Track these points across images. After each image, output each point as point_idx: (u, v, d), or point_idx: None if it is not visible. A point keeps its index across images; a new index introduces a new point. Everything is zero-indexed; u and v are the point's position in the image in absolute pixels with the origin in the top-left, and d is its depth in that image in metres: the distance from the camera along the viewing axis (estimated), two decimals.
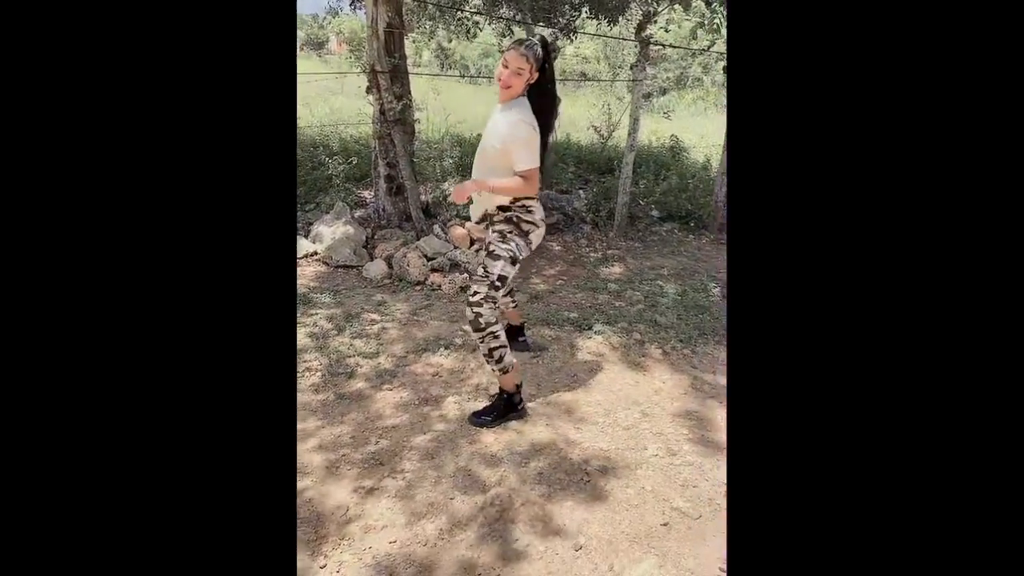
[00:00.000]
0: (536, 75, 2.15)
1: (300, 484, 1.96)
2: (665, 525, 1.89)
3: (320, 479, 1.98)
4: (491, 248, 2.25)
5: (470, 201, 2.32)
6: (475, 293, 2.20)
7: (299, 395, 2.46)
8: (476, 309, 2.19)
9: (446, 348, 2.94)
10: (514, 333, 2.94)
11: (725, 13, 4.81)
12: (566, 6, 4.86)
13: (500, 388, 2.37)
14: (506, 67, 2.11)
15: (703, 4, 4.84)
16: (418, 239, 4.25)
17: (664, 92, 14.77)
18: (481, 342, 2.23)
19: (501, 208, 2.26)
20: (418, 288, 3.80)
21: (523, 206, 2.25)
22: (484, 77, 14.50)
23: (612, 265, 4.51)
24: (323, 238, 4.25)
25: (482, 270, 2.23)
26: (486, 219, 2.35)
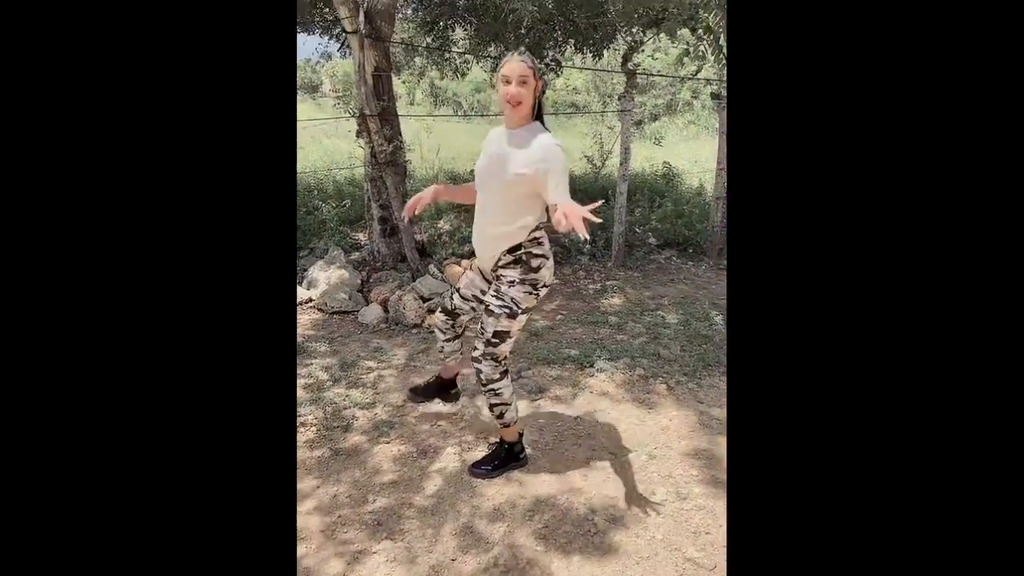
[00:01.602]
0: (541, 84, 1.97)
1: (298, 551, 1.87)
2: None
3: (318, 545, 1.89)
4: (488, 304, 2.13)
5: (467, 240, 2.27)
6: (475, 349, 2.14)
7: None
8: (476, 366, 2.13)
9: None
10: (444, 387, 2.70)
11: (709, 40, 4.83)
12: (552, 42, 4.89)
13: (501, 438, 2.29)
14: (509, 82, 1.91)
15: (688, 32, 4.86)
16: (414, 280, 4.20)
17: (655, 118, 14.88)
18: (484, 395, 2.16)
19: (511, 249, 2.07)
20: (415, 331, 3.74)
21: (534, 239, 2.07)
22: (477, 114, 14.64)
23: (612, 296, 4.45)
24: (318, 284, 4.20)
25: (479, 326, 2.15)
26: (495, 267, 2.15)
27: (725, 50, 4.81)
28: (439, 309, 2.41)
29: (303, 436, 2.49)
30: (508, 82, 1.92)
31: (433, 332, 3.67)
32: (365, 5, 4.16)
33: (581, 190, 7.14)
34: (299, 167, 7.22)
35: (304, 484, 2.18)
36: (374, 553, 1.87)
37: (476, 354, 2.13)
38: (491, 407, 2.19)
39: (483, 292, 2.27)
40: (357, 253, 4.81)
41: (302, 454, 2.37)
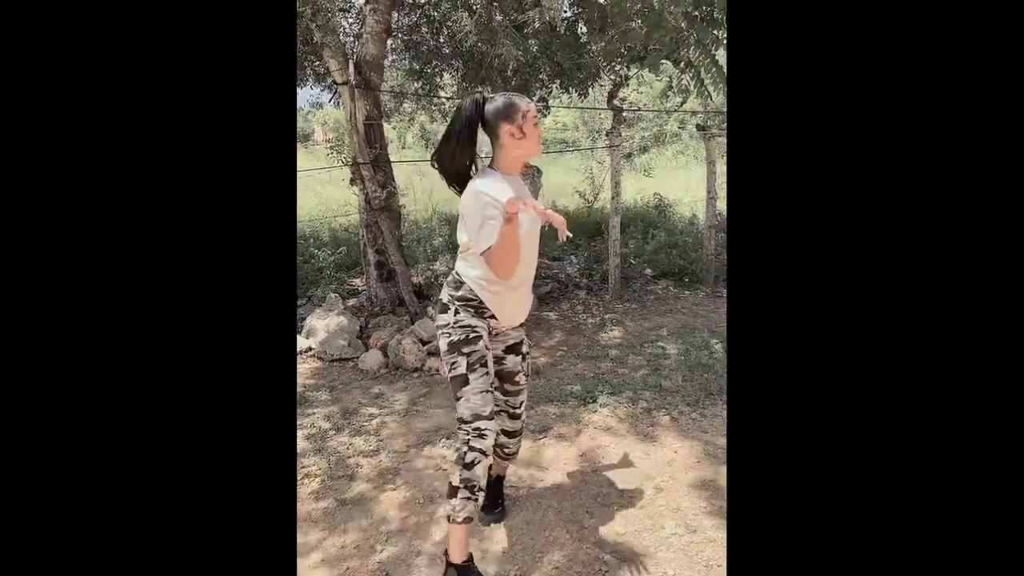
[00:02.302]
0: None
1: None
2: None
3: None
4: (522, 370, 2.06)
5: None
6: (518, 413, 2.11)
7: (300, 505, 2.36)
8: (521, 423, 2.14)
9: (447, 439, 2.85)
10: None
11: (691, 74, 4.94)
12: (538, 82, 5.01)
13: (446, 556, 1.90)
14: (536, 125, 1.79)
15: (671, 64, 4.98)
16: (412, 323, 4.22)
17: (644, 150, 15.09)
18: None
19: None
20: (415, 375, 3.74)
21: None
22: None
23: (611, 330, 4.46)
24: (317, 332, 4.21)
25: (524, 379, 2.07)
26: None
27: (707, 83, 4.92)
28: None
29: (307, 488, 2.48)
30: (536, 124, 1.79)
31: (434, 375, 3.68)
32: (354, 57, 4.27)
33: (575, 225, 7.22)
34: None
35: (310, 536, 2.16)
36: None
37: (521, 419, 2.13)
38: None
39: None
40: (354, 299, 4.84)
41: (307, 506, 2.35)
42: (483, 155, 1.91)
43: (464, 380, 1.80)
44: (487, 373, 1.83)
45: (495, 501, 2.25)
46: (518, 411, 2.08)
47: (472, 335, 1.83)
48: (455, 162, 1.82)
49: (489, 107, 1.78)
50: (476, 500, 1.81)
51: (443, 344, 1.86)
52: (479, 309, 1.85)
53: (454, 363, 1.82)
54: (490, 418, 1.81)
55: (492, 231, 1.65)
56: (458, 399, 1.82)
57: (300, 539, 2.15)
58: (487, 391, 1.82)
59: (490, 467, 2.14)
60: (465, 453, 1.80)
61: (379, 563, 2.02)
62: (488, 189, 1.70)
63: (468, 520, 1.81)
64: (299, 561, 2.04)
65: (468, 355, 1.81)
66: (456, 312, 1.85)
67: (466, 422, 1.81)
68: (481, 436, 1.79)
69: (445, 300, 1.89)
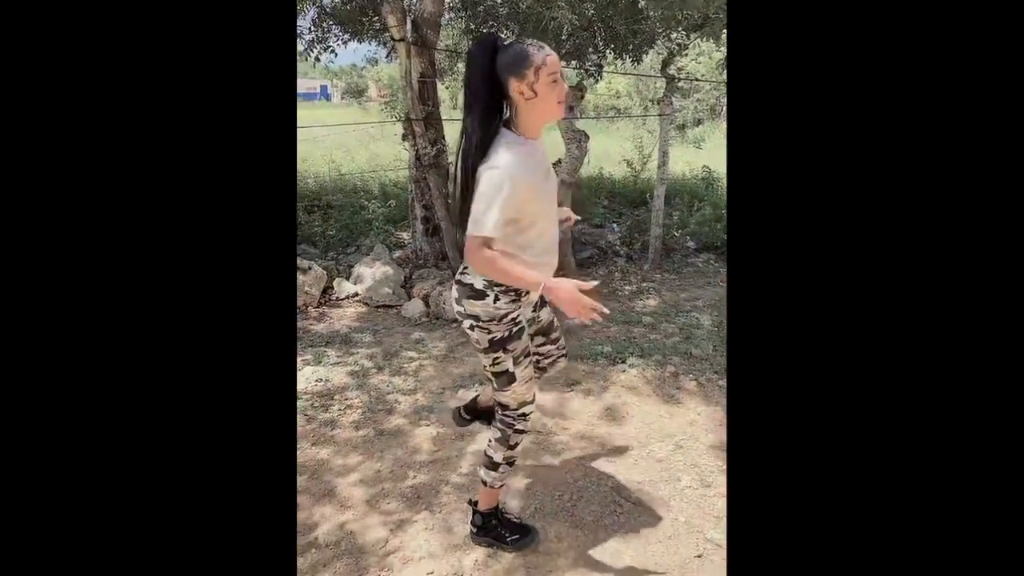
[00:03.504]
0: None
1: (342, 517, 2.04)
2: (699, 557, 1.90)
3: (361, 513, 2.06)
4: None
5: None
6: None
7: (341, 431, 2.56)
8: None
9: (480, 384, 3.01)
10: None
11: None
12: (592, 47, 5.01)
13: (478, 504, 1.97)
14: (556, 82, 1.56)
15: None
16: (454, 276, 4.37)
17: (698, 122, 14.82)
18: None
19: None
20: (454, 325, 3.90)
21: None
22: None
23: (647, 298, 4.54)
24: (364, 279, 4.40)
25: (557, 322, 2.01)
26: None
27: None
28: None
29: (349, 417, 2.68)
30: (556, 80, 1.55)
31: None
32: (412, 14, 4.36)
33: (620, 193, 7.24)
34: (347, 169, 7.50)
35: (350, 459, 2.36)
36: (414, 522, 2.02)
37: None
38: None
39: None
40: (400, 251, 5.01)
41: (348, 433, 2.55)
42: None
43: (511, 377, 1.73)
44: (530, 362, 1.77)
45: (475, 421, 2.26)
46: (563, 348, 2.08)
47: (515, 329, 1.69)
48: (487, 136, 1.55)
49: (500, 57, 1.54)
50: (513, 467, 1.89)
51: (482, 339, 1.68)
52: (520, 291, 1.66)
53: (497, 359, 1.70)
54: (533, 400, 1.83)
55: (499, 221, 1.49)
56: (503, 391, 1.77)
57: (340, 460, 2.35)
58: (531, 379, 1.79)
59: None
60: (510, 436, 1.80)
61: (411, 487, 2.20)
62: (507, 165, 1.51)
63: (503, 486, 1.92)
64: (339, 479, 2.24)
65: (512, 351, 1.70)
66: (496, 299, 1.64)
67: (512, 409, 1.79)
68: (525, 418, 1.82)
69: (480, 286, 1.65)
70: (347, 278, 4.57)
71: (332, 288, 4.47)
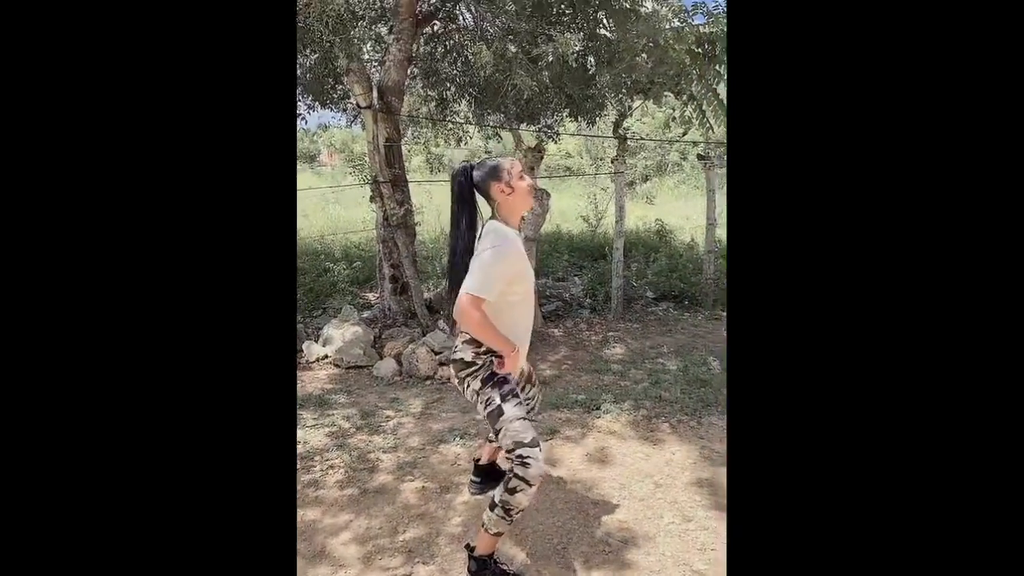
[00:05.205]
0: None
1: None
2: None
3: (359, 571, 2.06)
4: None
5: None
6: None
7: (326, 492, 2.55)
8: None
9: (461, 438, 3.05)
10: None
11: (693, 106, 5.23)
12: (548, 110, 5.29)
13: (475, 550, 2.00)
14: (523, 177, 1.97)
15: (672, 97, 5.27)
16: (424, 335, 4.43)
17: (646, 179, 15.45)
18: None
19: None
20: (428, 383, 3.94)
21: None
22: None
23: (614, 347, 4.67)
24: (333, 340, 4.42)
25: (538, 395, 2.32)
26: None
27: (708, 115, 5.20)
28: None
29: (333, 477, 2.67)
30: (523, 175, 1.96)
31: (446, 383, 3.88)
32: (377, 83, 4.55)
33: (579, 248, 7.48)
34: (307, 233, 7.55)
35: (340, 518, 2.35)
36: None
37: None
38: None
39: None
40: (368, 312, 5.05)
41: (334, 493, 2.54)
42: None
43: (500, 411, 1.87)
44: (520, 403, 1.91)
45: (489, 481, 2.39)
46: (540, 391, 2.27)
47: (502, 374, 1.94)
48: (468, 232, 1.95)
49: (476, 173, 1.94)
50: (510, 522, 1.87)
51: (475, 383, 1.93)
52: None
53: (488, 399, 1.89)
54: (532, 445, 1.83)
55: (493, 287, 1.81)
56: (498, 431, 1.89)
57: (330, 520, 2.35)
58: (524, 418, 1.88)
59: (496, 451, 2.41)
60: (510, 479, 1.83)
61: (403, 542, 2.21)
62: (506, 242, 1.86)
63: (499, 535, 1.93)
64: (330, 539, 2.23)
65: (499, 387, 1.90)
66: (486, 366, 1.93)
67: (510, 451, 1.85)
68: (524, 464, 1.80)
69: (469, 358, 1.94)
70: (316, 340, 4.58)
71: (302, 351, 4.46)
